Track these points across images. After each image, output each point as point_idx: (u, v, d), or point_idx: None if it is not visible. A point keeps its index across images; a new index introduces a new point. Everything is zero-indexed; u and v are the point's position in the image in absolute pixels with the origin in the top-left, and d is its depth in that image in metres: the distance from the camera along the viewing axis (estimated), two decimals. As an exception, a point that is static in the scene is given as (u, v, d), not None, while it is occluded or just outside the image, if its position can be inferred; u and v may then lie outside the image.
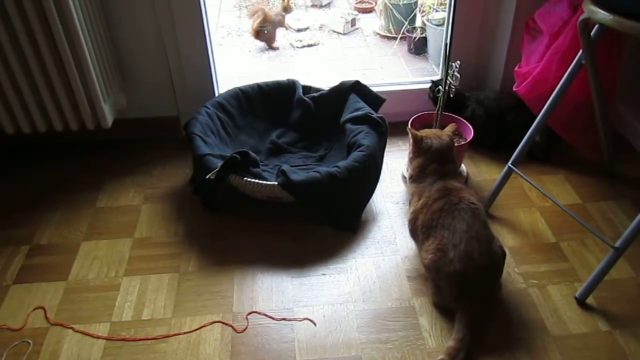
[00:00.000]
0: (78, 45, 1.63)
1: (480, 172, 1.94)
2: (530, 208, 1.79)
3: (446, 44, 1.63)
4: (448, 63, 1.67)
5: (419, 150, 1.51)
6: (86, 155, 2.07)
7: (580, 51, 1.50)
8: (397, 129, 1.99)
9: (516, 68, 1.83)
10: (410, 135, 1.54)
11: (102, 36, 1.81)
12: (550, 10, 1.74)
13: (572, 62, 1.53)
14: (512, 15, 1.92)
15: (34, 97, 1.74)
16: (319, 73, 2.74)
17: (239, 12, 3.53)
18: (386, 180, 1.90)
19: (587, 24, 1.43)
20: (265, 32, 2.97)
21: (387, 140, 1.85)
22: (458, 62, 1.69)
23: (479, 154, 2.01)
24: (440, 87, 1.73)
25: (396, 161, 2.00)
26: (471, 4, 1.91)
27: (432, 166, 1.50)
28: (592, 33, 1.47)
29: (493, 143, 1.99)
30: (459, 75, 1.69)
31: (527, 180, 1.67)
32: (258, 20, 2.97)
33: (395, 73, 2.68)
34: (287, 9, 3.04)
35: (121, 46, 1.93)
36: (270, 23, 2.98)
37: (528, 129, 1.92)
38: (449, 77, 1.69)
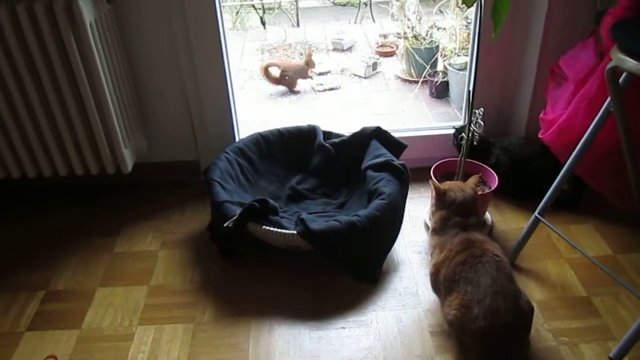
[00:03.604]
0: (100, 90, 1.65)
1: (505, 221, 1.88)
2: (558, 259, 1.72)
3: (469, 91, 1.60)
4: (471, 110, 1.64)
5: (442, 203, 1.47)
6: (105, 198, 2.07)
7: (608, 99, 1.46)
8: (420, 175, 1.95)
9: (541, 115, 1.79)
10: (432, 187, 1.50)
11: (125, 81, 1.83)
12: (576, 56, 1.71)
13: (599, 109, 1.49)
14: (535, 61, 1.89)
15: (55, 141, 1.75)
16: (340, 117, 2.73)
17: (261, 55, 3.57)
18: (408, 228, 1.85)
19: (615, 72, 1.39)
20: (286, 78, 3.00)
21: (409, 187, 1.82)
22: (481, 109, 1.66)
23: (503, 202, 1.95)
24: (464, 134, 1.70)
25: (418, 208, 1.95)
26: (494, 50, 1.89)
27: (454, 219, 1.45)
28: (620, 80, 1.43)
29: (518, 190, 1.93)
30: (482, 123, 1.65)
31: (555, 231, 1.61)
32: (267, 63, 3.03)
33: (417, 117, 2.65)
34: (309, 64, 3.06)
35: (143, 90, 1.95)
36: (292, 70, 3.00)
37: (554, 175, 1.87)
38: (472, 125, 1.66)
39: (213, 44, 1.88)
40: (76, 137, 1.74)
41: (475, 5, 1.66)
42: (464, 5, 1.71)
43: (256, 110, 2.85)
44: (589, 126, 1.51)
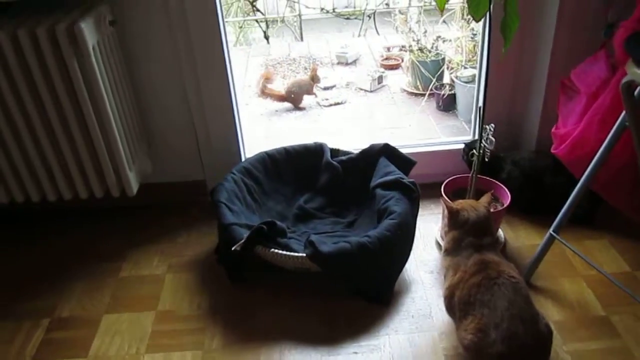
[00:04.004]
0: (104, 113, 1.62)
1: (518, 238, 1.84)
2: (574, 277, 1.67)
3: (479, 107, 1.57)
4: (482, 126, 1.60)
5: (455, 223, 1.43)
6: (109, 220, 2.04)
7: (623, 113, 1.43)
8: (430, 192, 1.90)
9: (553, 129, 1.75)
10: (445, 206, 1.46)
11: (128, 102, 1.81)
12: (587, 69, 1.67)
13: (613, 123, 1.45)
14: (545, 74, 1.86)
15: (59, 165, 1.72)
16: (347, 133, 2.69)
17: (265, 70, 3.55)
18: (419, 247, 1.81)
19: (631, 86, 1.36)
20: (292, 96, 2.98)
21: (420, 204, 1.78)
22: (492, 125, 1.62)
23: (516, 218, 1.91)
24: (474, 150, 1.66)
25: (429, 226, 1.91)
26: (503, 63, 1.85)
27: (468, 239, 1.41)
28: (635, 94, 1.40)
29: (531, 206, 1.89)
30: (493, 139, 1.62)
31: (570, 249, 1.57)
32: (262, 81, 3.00)
33: (425, 131, 2.62)
34: (314, 79, 3.03)
35: (147, 111, 1.93)
36: (297, 86, 2.98)
37: (567, 190, 1.83)
38: (483, 141, 1.62)
39: (217, 62, 1.86)
40: (80, 160, 1.71)
41: (482, 20, 1.64)
42: (470, 17, 1.68)
43: (262, 127, 2.82)
44: (603, 140, 1.48)
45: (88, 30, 1.51)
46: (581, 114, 1.66)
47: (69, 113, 1.62)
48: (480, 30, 1.91)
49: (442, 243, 1.81)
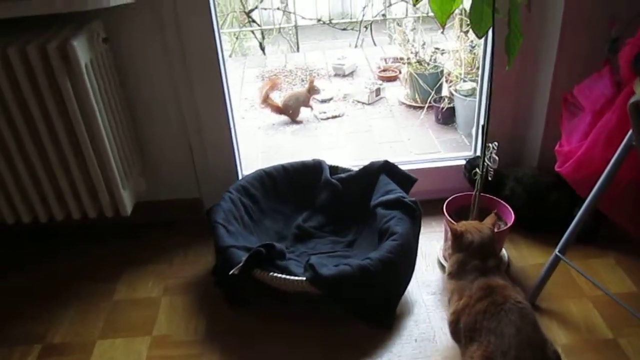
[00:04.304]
0: (97, 132, 1.58)
1: (522, 257, 1.80)
2: (581, 298, 1.63)
3: (483, 126, 1.54)
4: (485, 145, 1.57)
5: (459, 245, 1.39)
6: (102, 241, 1.98)
7: (629, 132, 1.39)
8: (431, 209, 1.86)
9: (557, 147, 1.72)
10: (448, 229, 1.42)
11: (123, 120, 1.77)
12: (591, 86, 1.64)
13: (619, 142, 1.42)
14: (548, 90, 1.83)
15: (51, 185, 1.67)
16: (345, 147, 2.66)
17: (261, 83, 3.51)
18: (421, 267, 1.77)
19: (639, 106, 1.32)
20: (290, 112, 2.94)
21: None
22: (495, 143, 1.59)
23: (519, 236, 1.87)
24: (477, 169, 1.63)
25: (430, 245, 1.87)
26: (505, 78, 1.82)
27: (473, 262, 1.37)
28: (642, 112, 1.37)
29: (534, 224, 1.86)
30: (497, 158, 1.58)
31: (576, 270, 1.54)
32: (266, 89, 2.96)
33: (424, 145, 2.59)
34: (311, 91, 2.99)
35: (141, 128, 1.89)
36: (294, 99, 2.94)
37: (571, 207, 1.81)
38: (486, 159, 1.59)
39: (213, 77, 1.82)
40: (72, 180, 1.66)
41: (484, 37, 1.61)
42: (469, 29, 1.63)
43: (258, 142, 2.78)
44: (608, 159, 1.44)
45: (80, 48, 1.46)
46: (586, 132, 1.63)
47: (61, 132, 1.57)
48: (482, 46, 1.88)
49: (444, 263, 1.78)
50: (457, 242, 1.40)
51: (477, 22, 1.46)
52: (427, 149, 2.55)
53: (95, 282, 1.80)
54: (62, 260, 1.91)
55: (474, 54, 2.73)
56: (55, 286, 1.79)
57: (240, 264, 1.49)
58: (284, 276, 1.49)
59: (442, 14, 1.46)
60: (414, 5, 1.43)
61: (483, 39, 1.84)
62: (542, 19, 1.77)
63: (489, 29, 1.45)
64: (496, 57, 1.52)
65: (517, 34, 1.42)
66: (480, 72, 1.93)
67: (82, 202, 1.71)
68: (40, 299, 1.74)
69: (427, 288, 1.70)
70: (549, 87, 1.82)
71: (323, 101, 3.14)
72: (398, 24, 3.19)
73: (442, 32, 2.63)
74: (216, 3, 1.75)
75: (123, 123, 1.76)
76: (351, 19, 4.31)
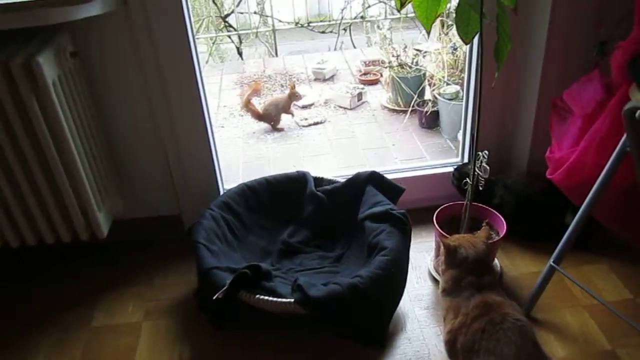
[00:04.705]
0: (68, 152, 1.49)
1: (515, 266, 1.76)
2: (576, 307, 1.59)
3: (472, 135, 1.49)
4: (475, 154, 1.51)
5: (453, 261, 1.34)
6: (79, 262, 1.89)
7: (623, 137, 1.35)
8: (419, 217, 1.81)
9: (547, 153, 1.67)
10: (440, 242, 1.37)
11: (96, 137, 1.68)
12: (581, 90, 1.60)
13: (612, 148, 1.38)
14: (536, 94, 1.78)
15: (21, 209, 1.58)
16: (328, 155, 2.58)
17: (240, 89, 3.43)
18: (412, 280, 1.71)
19: (634, 112, 1.28)
20: (272, 115, 2.86)
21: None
22: (486, 152, 1.54)
23: (510, 244, 1.82)
24: (467, 178, 1.58)
25: (420, 256, 1.82)
26: (490, 83, 1.78)
27: (468, 279, 1.31)
28: (637, 115, 1.33)
29: (526, 231, 1.81)
30: (487, 167, 1.54)
31: (571, 280, 1.50)
32: (248, 93, 2.89)
33: (409, 150, 2.53)
34: (292, 97, 2.91)
35: (116, 144, 1.80)
36: (274, 105, 2.87)
37: (562, 213, 1.77)
38: (476, 169, 1.54)
39: (189, 88, 1.74)
40: (44, 203, 1.57)
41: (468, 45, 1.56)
42: (450, 32, 1.58)
43: (239, 151, 2.70)
44: (601, 165, 1.40)
45: (47, 65, 1.38)
46: (577, 137, 1.58)
47: (29, 154, 1.48)
48: (467, 51, 1.83)
49: (435, 275, 1.73)
50: (451, 257, 1.35)
51: (463, 27, 1.41)
52: (412, 154, 2.49)
53: (73, 307, 1.71)
54: (36, 284, 1.81)
55: (456, 55, 2.69)
56: (27, 314, 1.69)
57: (225, 288, 1.42)
58: (271, 298, 1.42)
59: (427, 20, 1.40)
60: (399, 10, 1.36)
61: (468, 45, 1.80)
62: (528, 22, 1.72)
63: (476, 34, 1.40)
64: (483, 63, 1.47)
65: (505, 39, 1.37)
66: (466, 78, 1.88)
67: (55, 226, 1.62)
68: (13, 328, 1.64)
69: (419, 302, 1.65)
70: (537, 91, 1.77)
71: (304, 107, 3.07)
72: (378, 27, 3.13)
73: (427, 38, 2.57)
74: (190, 8, 1.67)
75: (97, 140, 1.68)
76: (330, 21, 4.24)
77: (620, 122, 1.44)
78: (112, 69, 1.67)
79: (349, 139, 2.72)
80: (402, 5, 1.38)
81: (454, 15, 1.40)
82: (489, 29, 1.36)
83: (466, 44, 1.48)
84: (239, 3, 4.16)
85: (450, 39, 2.69)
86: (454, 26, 2.74)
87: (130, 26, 1.60)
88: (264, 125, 2.91)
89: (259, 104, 2.99)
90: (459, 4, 1.39)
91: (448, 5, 1.53)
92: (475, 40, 1.46)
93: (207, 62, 4.11)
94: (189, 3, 1.66)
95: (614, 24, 1.57)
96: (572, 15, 1.65)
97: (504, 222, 1.65)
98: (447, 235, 1.55)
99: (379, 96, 3.12)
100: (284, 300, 1.42)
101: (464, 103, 1.93)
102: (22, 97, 1.39)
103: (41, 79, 1.37)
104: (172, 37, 1.64)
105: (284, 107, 2.90)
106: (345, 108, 3.03)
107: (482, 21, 1.35)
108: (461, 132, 2.02)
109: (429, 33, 1.45)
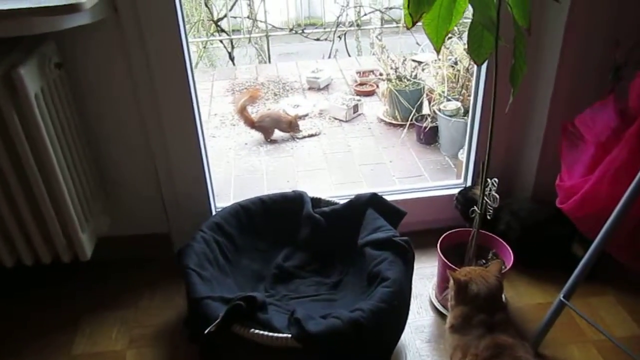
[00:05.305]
0: (50, 170, 1.39)
1: (519, 296, 1.68)
2: (584, 343, 1.52)
3: (483, 163, 1.41)
4: (484, 183, 1.44)
5: (463, 297, 1.26)
6: (61, 281, 1.77)
7: (641, 169, 1.29)
8: (420, 241, 1.71)
9: (557, 181, 1.60)
10: (450, 279, 1.29)
11: (81, 152, 1.58)
12: (594, 116, 1.53)
13: (628, 178, 1.31)
14: (545, 118, 1.72)
15: (-1, 229, 1.47)
16: (324, 170, 2.48)
17: (232, 96, 3.33)
18: (413, 310, 1.63)
19: (657, 144, 1.22)
20: (265, 127, 2.77)
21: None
22: (495, 179, 1.46)
23: (516, 272, 1.75)
24: (475, 207, 1.50)
25: (421, 283, 1.73)
26: (498, 105, 1.71)
27: (479, 317, 1.23)
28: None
29: (531, 259, 1.74)
30: (497, 196, 1.46)
31: (579, 315, 1.43)
32: (244, 99, 2.80)
33: (407, 167, 2.46)
34: (292, 127, 2.80)
35: (103, 159, 1.71)
36: (271, 118, 2.77)
37: (569, 242, 1.71)
38: (485, 197, 1.46)
39: (182, 101, 1.65)
40: (23, 223, 1.46)
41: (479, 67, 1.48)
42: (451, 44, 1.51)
43: (231, 163, 2.60)
44: (616, 196, 1.33)
45: (29, 76, 1.27)
46: (589, 165, 1.51)
47: (8, 171, 1.37)
48: (475, 73, 1.75)
49: (437, 305, 1.65)
50: (461, 293, 1.27)
51: (475, 48, 1.34)
52: (410, 171, 2.42)
53: (53, 332, 1.60)
54: (15, 305, 1.70)
55: (456, 69, 2.62)
56: (4, 338, 1.58)
57: (218, 321, 1.32)
58: (267, 333, 1.32)
59: (437, 38, 1.33)
60: (408, 29, 1.28)
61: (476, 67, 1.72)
62: (540, 42, 1.65)
63: (488, 57, 1.32)
64: (488, 83, 1.40)
65: (521, 63, 1.30)
66: (472, 98, 1.80)
67: (35, 247, 1.51)
68: (-13, 356, 1.53)
69: (421, 334, 1.57)
70: (546, 114, 1.70)
71: (299, 118, 2.98)
72: (377, 38, 3.05)
73: (437, 57, 2.49)
74: (184, 15, 1.58)
75: (82, 156, 1.57)
76: (325, 28, 4.15)
77: (639, 152, 1.38)
78: (100, 80, 1.57)
79: (345, 154, 2.63)
80: (413, 23, 1.30)
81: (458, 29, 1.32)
82: (501, 50, 1.28)
83: (478, 66, 1.41)
84: (232, 7, 4.06)
85: (450, 52, 2.62)
86: (453, 37, 2.68)
87: (121, 35, 1.50)
88: (256, 135, 2.81)
89: (252, 112, 2.90)
90: (471, 23, 1.31)
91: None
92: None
93: (196, 65, 4.00)
94: (183, 11, 1.57)
95: (631, 47, 1.51)
96: (587, 36, 1.58)
97: (511, 252, 1.58)
98: (453, 267, 1.48)
99: (375, 108, 3.04)
100: (280, 335, 1.32)
101: (469, 123, 1.85)
102: (1, 110, 1.29)
103: (22, 91, 1.27)
104: (165, 47, 1.54)
105: (279, 125, 2.80)
106: (340, 120, 2.95)
107: (497, 43, 1.27)
108: (464, 152, 1.95)
109: (438, 52, 1.37)
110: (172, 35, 1.53)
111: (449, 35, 2.57)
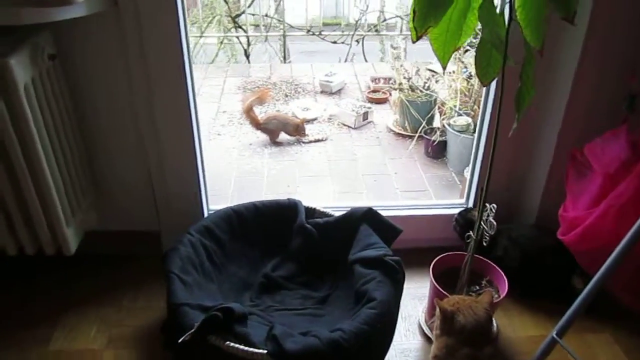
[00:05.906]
0: (37, 162, 1.36)
1: (512, 327, 1.62)
2: (577, 383, 1.46)
3: (482, 188, 1.35)
4: (482, 209, 1.38)
5: (449, 328, 1.20)
6: (44, 273, 1.75)
7: (648, 207, 1.22)
8: (413, 259, 1.65)
9: (561, 211, 1.54)
10: (437, 308, 1.23)
11: (72, 145, 1.55)
12: (604, 146, 1.47)
13: (633, 215, 1.24)
14: (553, 144, 1.65)
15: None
16: (326, 177, 2.44)
17: (243, 94, 3.30)
18: (399, 332, 1.57)
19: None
20: (270, 129, 2.72)
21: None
22: (494, 205, 1.40)
23: (510, 301, 1.68)
24: (471, 231, 1.44)
25: (412, 304, 1.68)
26: (503, 126, 1.64)
27: (464, 350, 1.18)
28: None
29: (528, 289, 1.67)
30: (494, 222, 1.40)
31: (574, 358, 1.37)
32: (252, 99, 2.76)
33: (411, 181, 2.40)
34: (299, 131, 2.76)
35: (95, 153, 1.67)
36: (277, 121, 2.73)
37: (569, 274, 1.64)
38: (482, 223, 1.40)
39: (178, 97, 1.60)
40: (9, 214, 1.44)
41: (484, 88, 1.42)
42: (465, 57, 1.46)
43: (233, 164, 2.56)
44: (619, 234, 1.26)
45: (19, 66, 1.25)
46: (595, 197, 1.45)
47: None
48: (484, 92, 1.68)
49: (426, 330, 1.59)
50: (447, 323, 1.21)
51: (483, 67, 1.28)
52: (414, 185, 2.36)
53: (31, 325, 1.57)
54: (-6, 296, 1.68)
55: (470, 84, 2.55)
56: (-20, 330, 1.56)
57: (193, 330, 1.28)
58: (242, 347, 1.28)
59: (444, 54, 1.28)
60: (414, 42, 1.22)
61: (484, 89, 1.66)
62: (553, 65, 1.58)
63: (495, 77, 1.27)
64: (495, 104, 1.34)
65: (528, 86, 1.24)
66: (479, 118, 1.73)
67: (20, 238, 1.48)
68: (-37, 344, 1.51)
69: (406, 359, 1.51)
70: (555, 140, 1.63)
71: (307, 122, 2.93)
72: (393, 47, 2.99)
73: (443, 74, 2.43)
74: (186, 8, 1.54)
75: (73, 150, 1.54)
76: (342, 31, 4.09)
77: (647, 188, 1.32)
78: (96, 74, 1.54)
79: (350, 162, 2.58)
80: (418, 37, 1.24)
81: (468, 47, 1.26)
82: (510, 71, 1.22)
83: (484, 86, 1.35)
84: (250, 4, 4.02)
85: (465, 65, 2.55)
86: (470, 50, 2.61)
87: (119, 28, 1.47)
88: (262, 136, 2.77)
89: (260, 112, 2.86)
90: (480, 41, 1.26)
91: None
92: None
93: (213, 61, 3.98)
94: (184, 7, 1.53)
95: (647, 77, 1.44)
96: (603, 62, 1.51)
97: (506, 280, 1.51)
98: (444, 292, 1.43)
99: (386, 117, 2.99)
100: (256, 350, 1.28)
101: (474, 143, 1.79)
102: (-12, 99, 1.26)
103: (11, 81, 1.24)
104: (163, 43, 1.50)
105: (285, 129, 2.76)
106: (349, 127, 2.89)
107: (505, 63, 1.21)
108: (469, 170, 1.88)
109: (444, 68, 1.32)
110: (171, 31, 1.50)
111: (466, 48, 2.53)
